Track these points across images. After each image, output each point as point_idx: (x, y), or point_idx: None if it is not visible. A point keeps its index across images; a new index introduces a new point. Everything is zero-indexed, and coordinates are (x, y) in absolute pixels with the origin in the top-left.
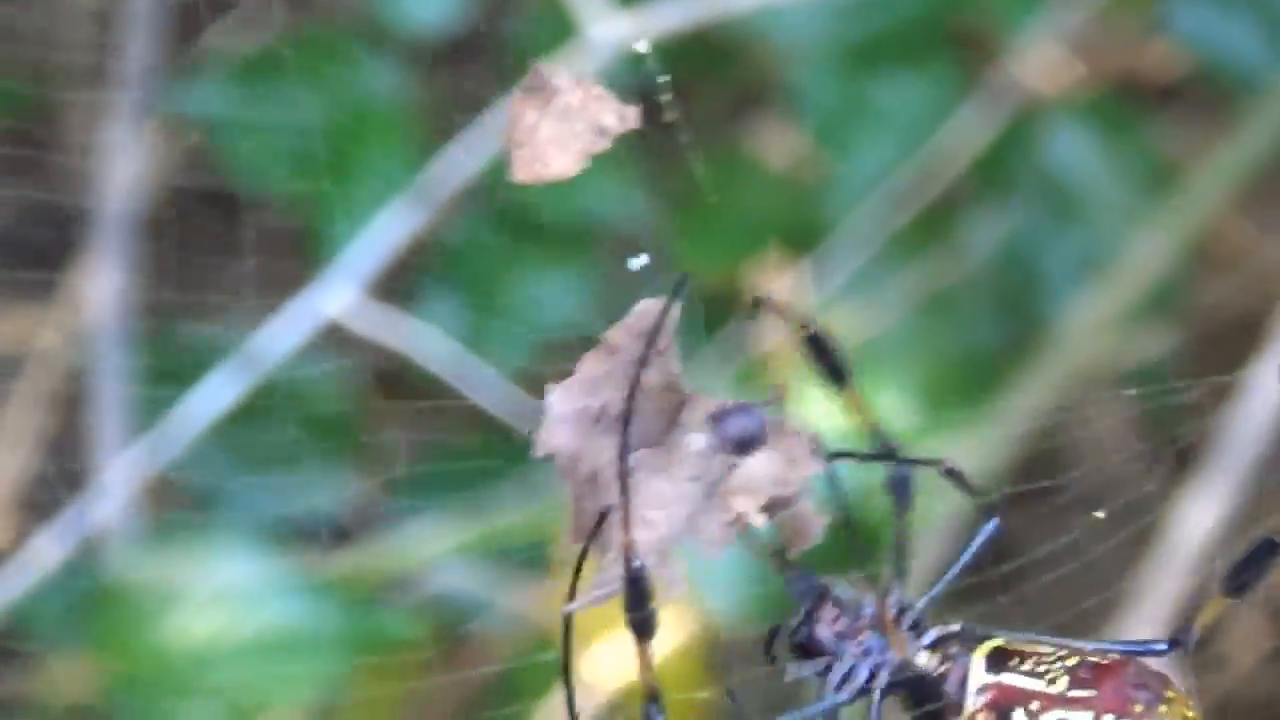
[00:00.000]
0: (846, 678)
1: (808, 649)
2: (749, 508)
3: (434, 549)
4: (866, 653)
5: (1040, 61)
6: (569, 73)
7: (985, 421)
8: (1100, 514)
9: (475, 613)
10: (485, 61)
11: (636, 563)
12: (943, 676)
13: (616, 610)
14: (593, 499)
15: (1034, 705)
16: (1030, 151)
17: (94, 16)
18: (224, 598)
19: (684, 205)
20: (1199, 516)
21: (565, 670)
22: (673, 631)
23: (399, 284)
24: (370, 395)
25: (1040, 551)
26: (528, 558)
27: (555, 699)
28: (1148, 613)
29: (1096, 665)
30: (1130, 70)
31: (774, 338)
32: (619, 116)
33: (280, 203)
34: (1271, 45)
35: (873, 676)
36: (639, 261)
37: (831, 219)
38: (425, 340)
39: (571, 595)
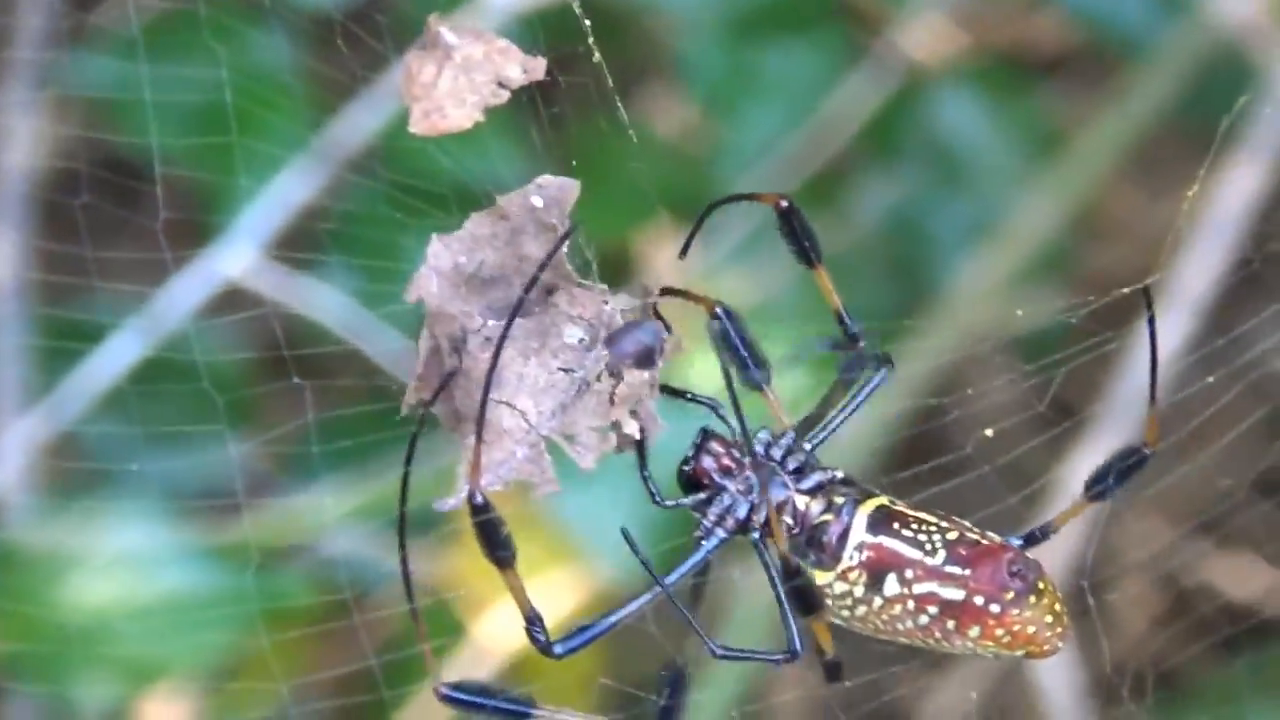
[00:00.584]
0: (727, 512)
1: (693, 481)
2: (624, 415)
3: (328, 514)
4: (748, 490)
5: (926, 32)
6: (470, 27)
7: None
8: (989, 432)
9: (368, 575)
10: (381, 31)
11: (479, 499)
12: (824, 525)
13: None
14: (449, 358)
15: (909, 573)
16: (918, 119)
17: None
18: (122, 562)
19: (574, 173)
20: (1092, 454)
21: (401, 540)
22: (570, 594)
23: (298, 249)
24: (266, 368)
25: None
26: (419, 521)
27: (451, 654)
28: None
29: (976, 545)
30: (1017, 41)
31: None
32: (523, 67)
33: (178, 171)
34: (1154, 15)
35: (752, 513)
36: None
37: (721, 186)
38: (323, 300)
39: (409, 457)
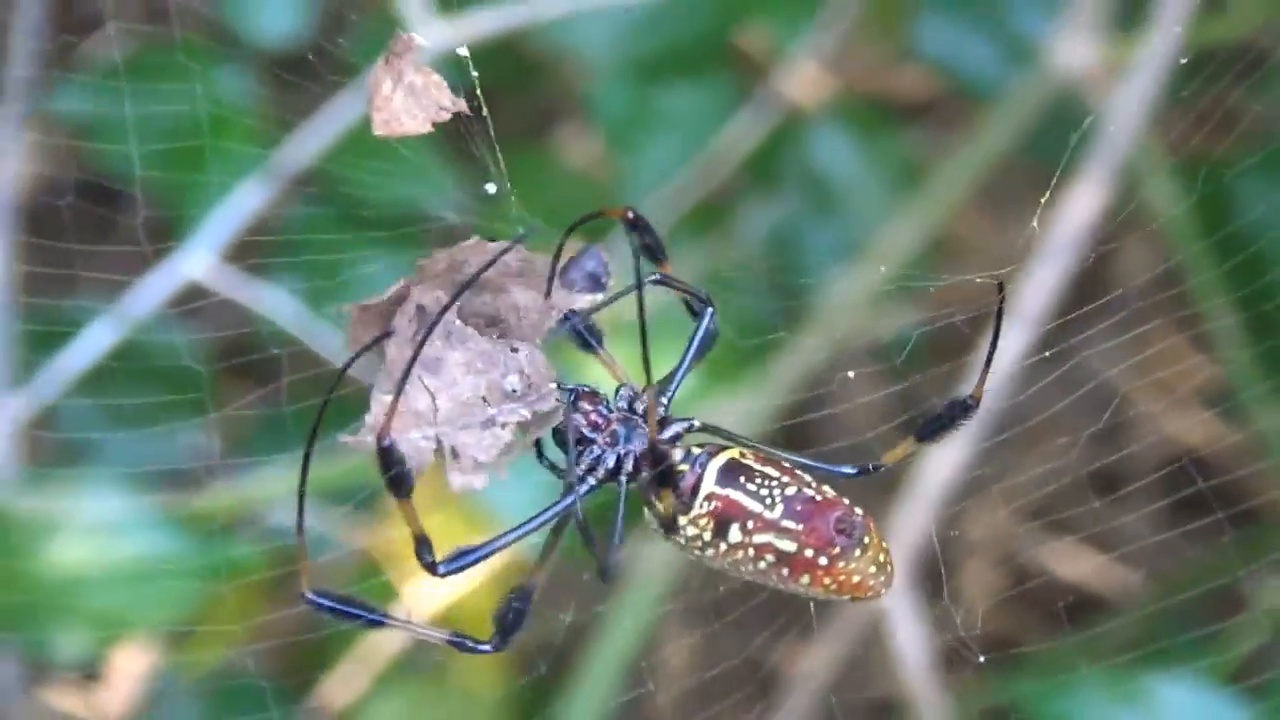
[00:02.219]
0: (596, 463)
1: (564, 439)
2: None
3: (275, 490)
4: (613, 442)
5: (803, 77)
6: (416, 52)
7: (757, 387)
8: (850, 374)
9: (315, 545)
10: (324, 66)
11: (386, 442)
12: (680, 474)
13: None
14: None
15: (750, 524)
16: (796, 153)
17: None
18: (92, 530)
19: (493, 198)
20: (940, 466)
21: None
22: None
23: (250, 259)
24: (220, 357)
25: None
26: (359, 500)
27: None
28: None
29: (810, 500)
30: (884, 87)
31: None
32: (451, 100)
33: (147, 187)
34: (1003, 65)
35: (619, 463)
36: (490, 187)
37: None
38: (269, 298)
39: (319, 417)
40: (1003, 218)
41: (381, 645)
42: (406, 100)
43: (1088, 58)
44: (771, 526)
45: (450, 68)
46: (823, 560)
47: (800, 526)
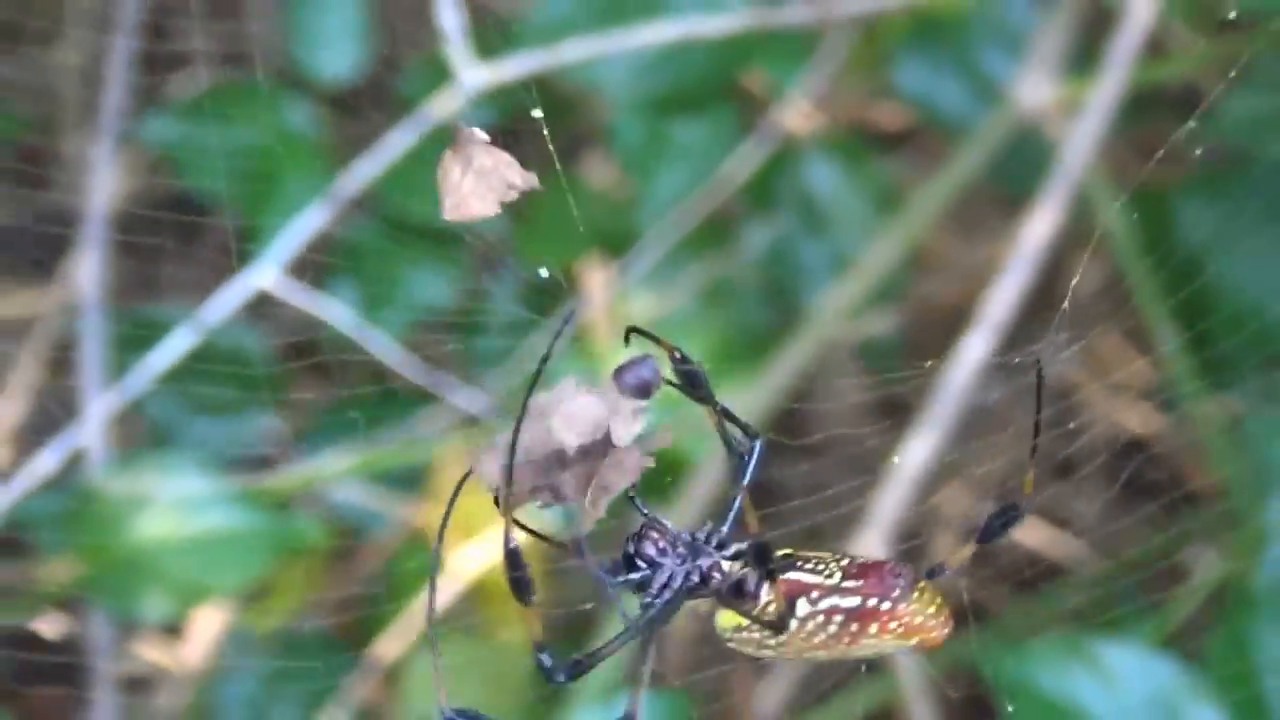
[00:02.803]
0: (669, 581)
1: (633, 562)
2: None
3: (335, 471)
4: (682, 561)
5: (796, 112)
6: (482, 140)
7: (755, 383)
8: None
9: (366, 519)
10: (380, 101)
11: (512, 544)
12: (745, 577)
13: (478, 521)
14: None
15: (814, 594)
16: (790, 178)
17: (81, 70)
18: (175, 507)
19: (527, 217)
20: (917, 455)
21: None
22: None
23: (313, 271)
24: (289, 359)
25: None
26: (406, 479)
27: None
28: (877, 526)
29: (864, 563)
30: (865, 119)
31: (590, 317)
32: (522, 178)
33: (223, 206)
34: (972, 102)
35: (688, 579)
36: (544, 272)
37: (638, 228)
38: (331, 310)
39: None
40: (970, 235)
41: (425, 608)
42: (476, 184)
43: (1046, 96)
44: (833, 590)
45: (490, 102)
46: (885, 605)
47: (859, 583)
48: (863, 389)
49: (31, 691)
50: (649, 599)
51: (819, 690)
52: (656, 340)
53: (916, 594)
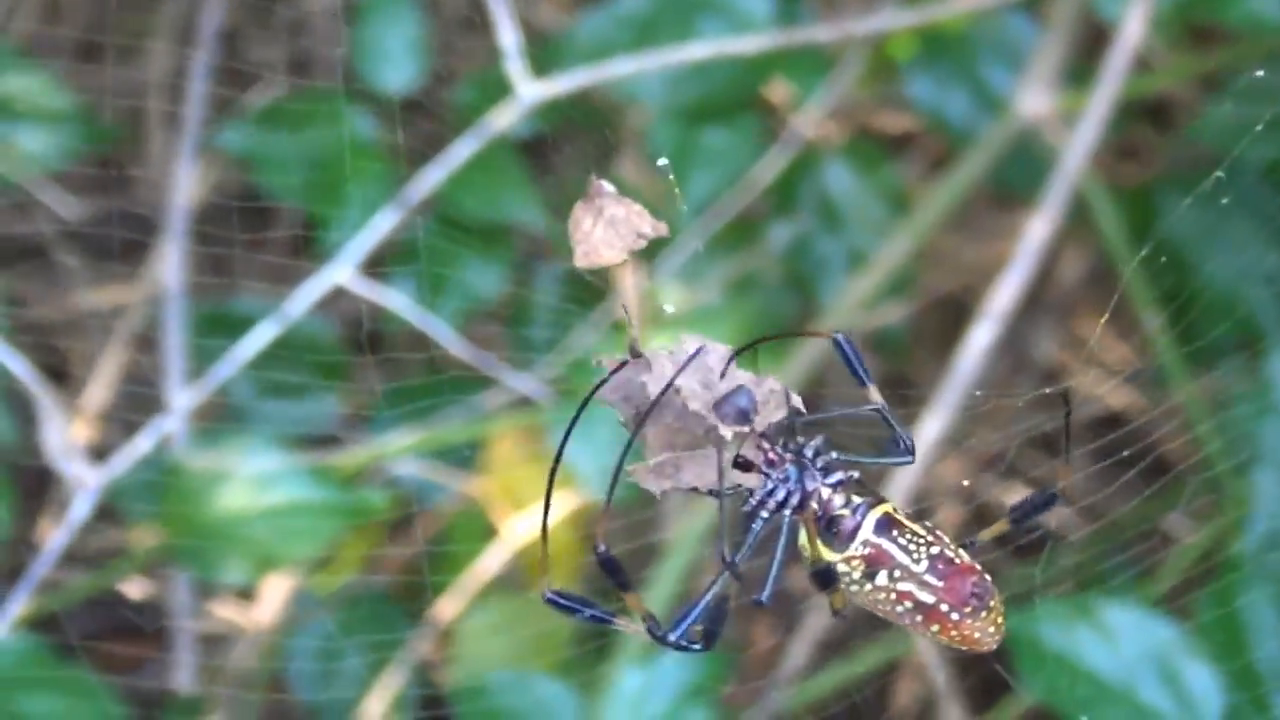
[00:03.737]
0: (769, 495)
1: (743, 465)
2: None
3: (397, 449)
4: (785, 479)
5: (814, 121)
6: (612, 192)
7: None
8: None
9: (428, 492)
10: (437, 113)
11: (602, 549)
12: (841, 518)
13: (527, 495)
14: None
15: (896, 573)
16: (810, 181)
17: (164, 82)
18: (252, 480)
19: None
20: (929, 433)
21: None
22: (564, 506)
23: (381, 267)
24: (357, 348)
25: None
26: (465, 456)
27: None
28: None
29: (951, 562)
30: (872, 125)
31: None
32: (653, 228)
33: (297, 209)
34: (977, 111)
35: (787, 497)
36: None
37: (673, 227)
38: (396, 301)
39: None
40: (971, 234)
41: (478, 572)
42: (606, 233)
43: (1045, 106)
44: (915, 578)
45: (541, 114)
46: (955, 616)
47: (941, 584)
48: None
49: (118, 649)
50: (749, 508)
51: (838, 647)
52: (812, 334)
53: (985, 612)
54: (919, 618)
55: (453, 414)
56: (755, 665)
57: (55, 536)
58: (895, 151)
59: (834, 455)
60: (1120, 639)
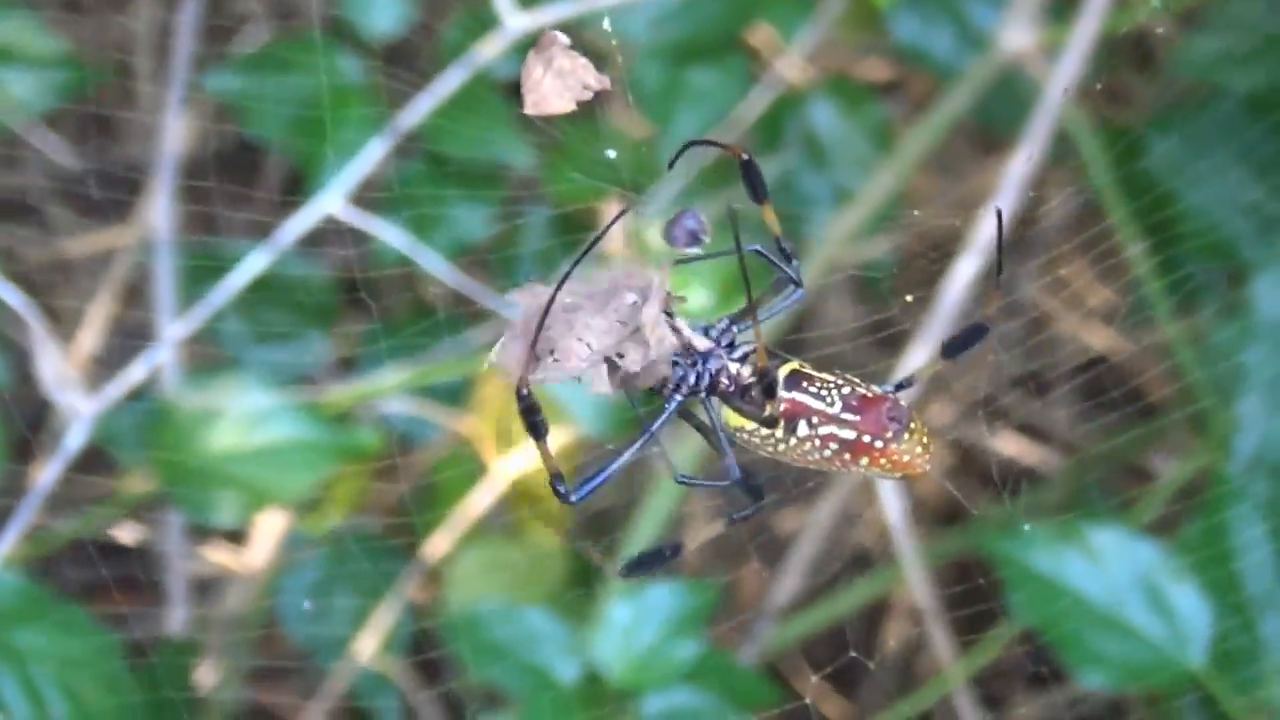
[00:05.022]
0: (682, 380)
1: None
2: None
3: (385, 388)
4: (694, 364)
5: (796, 64)
6: (564, 43)
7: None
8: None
9: (417, 428)
10: (424, 55)
11: (524, 392)
12: (753, 385)
13: (519, 435)
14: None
15: (815, 419)
16: (795, 120)
17: (152, 34)
18: (243, 420)
19: (560, 157)
20: (921, 352)
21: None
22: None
23: (368, 207)
24: (346, 287)
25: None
26: (454, 392)
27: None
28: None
29: (863, 397)
30: (864, 76)
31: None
32: (596, 79)
33: (284, 148)
34: (960, 49)
35: (699, 379)
36: (610, 154)
37: (662, 167)
38: (388, 234)
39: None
40: (952, 170)
41: (468, 511)
42: (555, 83)
43: (1028, 42)
44: (833, 420)
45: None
46: (879, 444)
47: (858, 418)
48: (859, 308)
49: (113, 592)
50: (666, 394)
51: (825, 576)
52: (723, 146)
53: (907, 434)
54: (847, 455)
55: (442, 352)
56: (745, 602)
57: (50, 468)
58: (881, 93)
59: (730, 326)
60: (1107, 562)
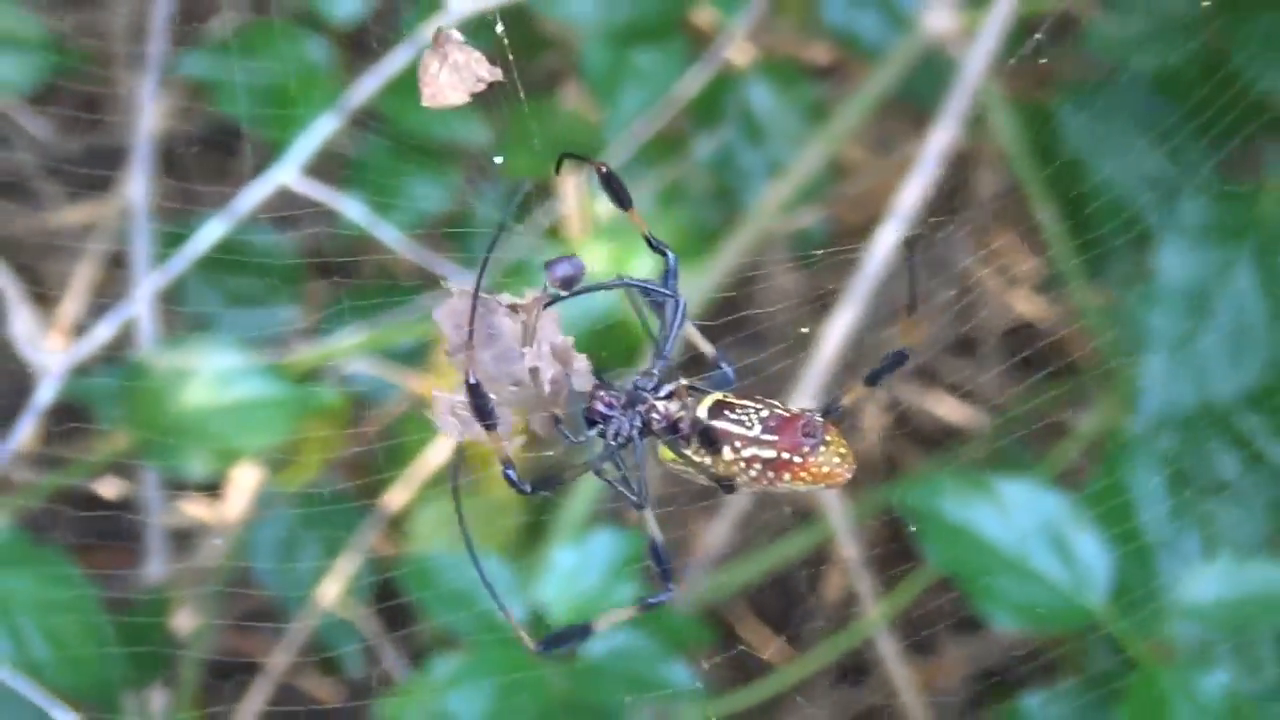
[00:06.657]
0: (619, 431)
1: (590, 419)
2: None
3: (349, 347)
4: (625, 411)
5: (735, 43)
6: (458, 39)
7: (706, 268)
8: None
9: (377, 388)
10: (379, 32)
11: (474, 380)
12: (681, 418)
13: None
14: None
15: (737, 443)
16: (733, 97)
17: (129, 19)
18: (214, 379)
19: (511, 133)
20: (842, 325)
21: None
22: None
23: (329, 182)
24: (309, 253)
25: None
26: (412, 354)
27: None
28: (807, 389)
29: (780, 417)
30: (798, 56)
31: (563, 215)
32: (489, 72)
33: (251, 127)
34: (886, 30)
35: (632, 427)
36: (498, 159)
37: (605, 140)
38: (346, 206)
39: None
40: (878, 145)
41: (427, 464)
42: (450, 76)
43: (949, 24)
44: (754, 442)
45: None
46: (797, 459)
47: (776, 438)
48: (796, 272)
49: (95, 545)
50: (607, 444)
51: (755, 526)
52: (587, 159)
53: (823, 447)
54: (771, 474)
55: (401, 316)
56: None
57: (22, 421)
58: (817, 80)
59: (653, 372)
60: (1014, 511)
